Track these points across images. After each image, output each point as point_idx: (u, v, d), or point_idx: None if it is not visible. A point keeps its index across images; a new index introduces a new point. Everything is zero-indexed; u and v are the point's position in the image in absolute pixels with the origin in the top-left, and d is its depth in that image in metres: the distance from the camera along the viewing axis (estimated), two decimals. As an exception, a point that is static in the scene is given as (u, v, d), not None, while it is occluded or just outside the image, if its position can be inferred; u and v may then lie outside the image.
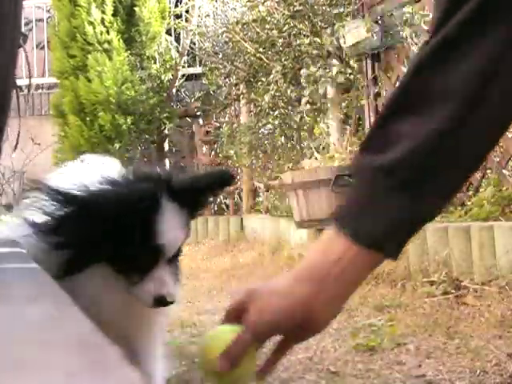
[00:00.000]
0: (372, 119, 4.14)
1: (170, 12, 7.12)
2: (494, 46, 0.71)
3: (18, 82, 1.47)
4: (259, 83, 5.11)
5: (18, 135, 1.74)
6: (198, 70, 7.33)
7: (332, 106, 4.19)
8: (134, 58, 6.64)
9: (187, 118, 7.11)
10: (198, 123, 6.80)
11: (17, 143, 1.75)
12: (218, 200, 6.47)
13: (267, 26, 4.64)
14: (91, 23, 6.41)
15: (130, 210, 0.91)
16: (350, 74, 4.40)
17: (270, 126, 5.11)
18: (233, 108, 6.18)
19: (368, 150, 0.79)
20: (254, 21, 4.75)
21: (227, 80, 5.97)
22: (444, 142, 0.73)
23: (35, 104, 7.60)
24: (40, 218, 0.92)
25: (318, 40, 4.12)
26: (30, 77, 2.04)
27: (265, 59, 4.71)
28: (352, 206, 0.79)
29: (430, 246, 2.53)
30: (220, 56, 5.65)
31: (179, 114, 6.95)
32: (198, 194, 1.02)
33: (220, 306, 2.53)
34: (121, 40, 6.49)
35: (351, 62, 4.37)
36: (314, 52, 4.17)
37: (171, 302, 0.94)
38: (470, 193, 3.09)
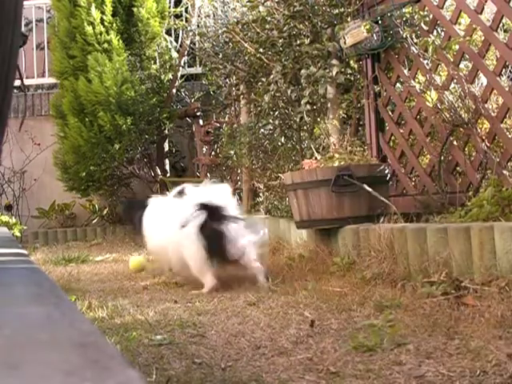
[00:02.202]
0: (372, 119, 4.14)
1: (169, 12, 7.11)
2: None
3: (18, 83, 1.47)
4: (259, 83, 5.12)
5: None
6: (198, 70, 7.34)
7: (332, 106, 4.19)
8: (133, 59, 6.63)
9: (187, 118, 7.11)
10: (198, 123, 6.79)
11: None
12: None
13: (267, 27, 4.64)
14: (91, 23, 6.40)
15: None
16: (350, 74, 4.40)
17: (270, 126, 5.11)
18: (233, 108, 6.18)
19: None
20: (254, 21, 4.75)
21: (227, 80, 5.97)
22: None
23: (35, 104, 7.59)
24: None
25: (319, 46, 4.13)
26: (21, 78, 2.04)
27: (265, 59, 4.71)
28: None
29: (430, 246, 2.53)
30: (220, 56, 5.64)
31: (179, 114, 6.95)
32: None
33: (220, 307, 2.53)
34: (120, 40, 6.48)
35: (351, 62, 4.37)
36: (314, 52, 4.16)
37: None
38: (470, 193, 3.09)
